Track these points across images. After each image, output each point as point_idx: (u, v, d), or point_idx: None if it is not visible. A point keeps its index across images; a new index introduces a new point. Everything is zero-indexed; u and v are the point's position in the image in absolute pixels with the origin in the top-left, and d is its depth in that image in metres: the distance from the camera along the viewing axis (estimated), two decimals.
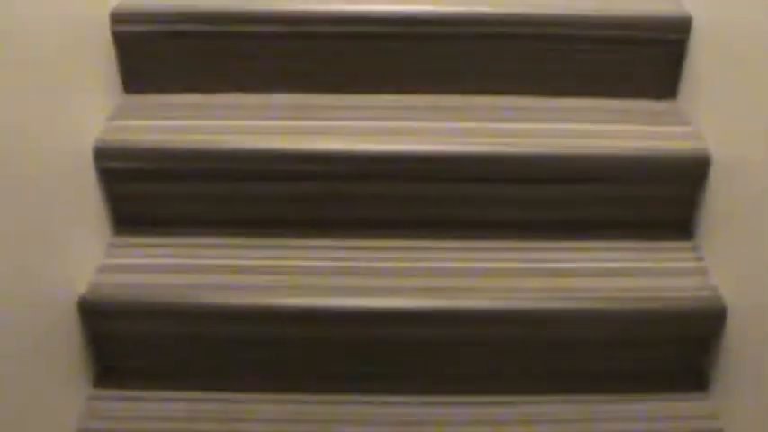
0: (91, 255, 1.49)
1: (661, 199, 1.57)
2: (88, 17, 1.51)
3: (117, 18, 1.60)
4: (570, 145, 1.52)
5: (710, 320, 1.42)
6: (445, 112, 1.61)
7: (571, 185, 1.54)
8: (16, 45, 1.19)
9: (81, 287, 1.43)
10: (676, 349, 1.49)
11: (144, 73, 1.66)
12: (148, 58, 1.65)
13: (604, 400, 1.46)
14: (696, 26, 1.58)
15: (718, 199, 1.46)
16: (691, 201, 1.56)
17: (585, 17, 1.60)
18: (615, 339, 1.48)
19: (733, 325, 1.38)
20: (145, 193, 1.57)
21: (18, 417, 1.21)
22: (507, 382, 1.49)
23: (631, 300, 1.43)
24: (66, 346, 1.39)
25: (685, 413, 1.44)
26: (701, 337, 1.47)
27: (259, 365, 1.51)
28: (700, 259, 1.51)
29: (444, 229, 1.57)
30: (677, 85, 1.67)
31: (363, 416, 1.43)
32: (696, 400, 1.46)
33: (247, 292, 1.44)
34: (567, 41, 1.62)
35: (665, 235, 1.57)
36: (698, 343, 1.48)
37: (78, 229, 1.44)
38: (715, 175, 1.48)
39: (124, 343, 1.50)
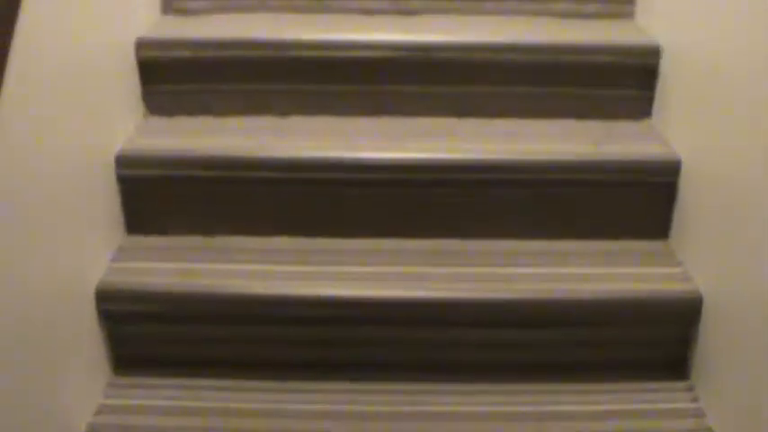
0: (90, 395, 1.54)
1: (653, 340, 1.63)
2: (94, 161, 1.61)
3: (122, 162, 1.70)
4: (562, 289, 1.59)
5: None
6: (444, 258, 1.69)
7: (563, 329, 1.61)
8: (21, 185, 1.27)
9: (80, 428, 1.48)
10: None
11: (147, 214, 1.75)
12: (152, 200, 1.74)
13: None
14: (685, 168, 1.68)
15: (712, 339, 1.52)
16: (684, 341, 1.61)
17: (577, 162, 1.70)
18: None
19: None
20: (146, 334, 1.63)
21: None
22: None
23: None
24: None
25: None
26: None
27: None
28: (695, 400, 1.56)
29: (439, 373, 1.63)
30: (669, 225, 1.75)
31: None
32: None
33: None
34: (558, 186, 1.72)
35: (658, 376, 1.62)
36: None
37: (76, 369, 1.49)
38: (708, 316, 1.54)
39: None
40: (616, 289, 1.59)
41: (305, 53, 1.82)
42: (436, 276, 1.63)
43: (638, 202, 1.73)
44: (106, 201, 1.66)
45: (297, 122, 1.84)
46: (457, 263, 1.67)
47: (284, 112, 1.87)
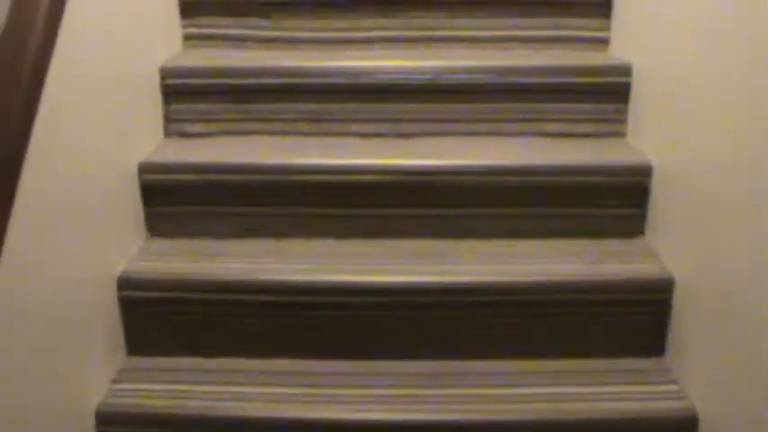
0: None
1: None
2: (96, 282, 1.69)
3: (123, 284, 1.79)
4: (559, 409, 1.65)
5: None
6: (441, 379, 1.76)
7: None
8: (24, 307, 1.35)
9: None
10: None
11: (148, 336, 1.83)
12: (153, 322, 1.82)
13: None
14: (679, 286, 1.76)
15: None
16: None
17: (572, 283, 1.79)
18: None
19: None
20: None
21: None
22: None
23: None
24: None
25: None
26: None
27: None
28: None
29: None
30: (664, 341, 1.82)
31: None
32: None
33: None
34: (553, 306, 1.80)
35: None
36: None
37: None
38: None
39: None
40: (611, 408, 1.65)
41: (304, 177, 1.93)
42: (433, 398, 1.69)
43: (633, 320, 1.81)
44: (107, 322, 1.74)
45: (295, 245, 1.94)
46: (453, 384, 1.73)
47: (283, 234, 1.97)
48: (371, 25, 2.27)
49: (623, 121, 2.13)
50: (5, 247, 1.22)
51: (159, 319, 1.82)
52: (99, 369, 1.70)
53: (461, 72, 2.07)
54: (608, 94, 2.11)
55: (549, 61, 2.10)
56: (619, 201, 1.96)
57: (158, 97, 2.10)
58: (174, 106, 2.12)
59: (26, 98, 1.28)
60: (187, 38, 2.31)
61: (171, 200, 1.96)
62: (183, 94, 2.11)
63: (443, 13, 2.27)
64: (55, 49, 1.39)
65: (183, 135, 2.13)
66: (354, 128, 2.12)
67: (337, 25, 2.27)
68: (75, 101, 1.55)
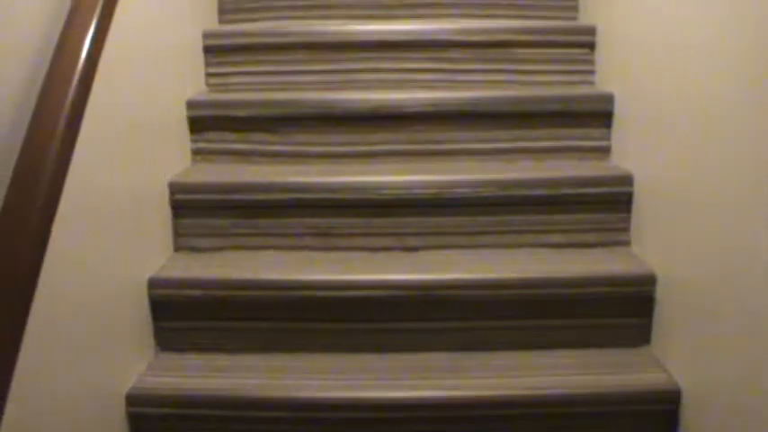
0: None
1: None
2: (105, 399, 1.75)
3: (132, 401, 1.84)
4: None
5: None
6: None
7: None
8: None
9: None
10: None
11: None
12: None
13: None
14: (686, 396, 1.80)
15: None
16: None
17: (579, 395, 1.84)
18: None
19: None
20: None
21: None
22: None
23: None
24: None
25: None
26: None
27: None
28: None
29: None
30: None
31: None
32: None
33: None
34: (562, 418, 1.85)
35: None
36: None
37: None
38: None
39: None
40: None
41: (313, 293, 2.00)
42: None
43: (641, 430, 1.85)
44: None
45: (307, 360, 2.00)
46: None
47: (294, 349, 2.03)
48: (376, 140, 2.38)
49: (627, 230, 2.21)
50: (18, 365, 1.27)
51: None
52: None
53: (465, 186, 2.16)
54: (611, 203, 2.20)
55: (552, 173, 2.19)
56: (624, 310, 2.02)
57: (168, 212, 2.19)
58: (183, 221, 2.21)
59: (43, 212, 1.34)
60: (196, 153, 2.41)
61: (180, 315, 2.03)
62: (191, 209, 2.21)
63: (447, 126, 2.38)
64: (70, 165, 1.46)
65: (193, 250, 2.21)
66: (361, 242, 2.20)
67: (343, 139, 2.38)
68: (87, 216, 1.64)
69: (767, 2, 1.43)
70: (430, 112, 2.36)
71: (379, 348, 2.03)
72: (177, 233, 2.22)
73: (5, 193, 1.28)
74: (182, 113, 2.35)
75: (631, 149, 2.21)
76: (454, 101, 2.35)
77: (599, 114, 2.37)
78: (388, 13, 2.81)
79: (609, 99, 2.36)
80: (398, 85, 2.57)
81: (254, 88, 2.59)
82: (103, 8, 1.52)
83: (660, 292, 1.97)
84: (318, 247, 2.20)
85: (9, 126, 1.36)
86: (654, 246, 2.03)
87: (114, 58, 1.74)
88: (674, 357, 1.89)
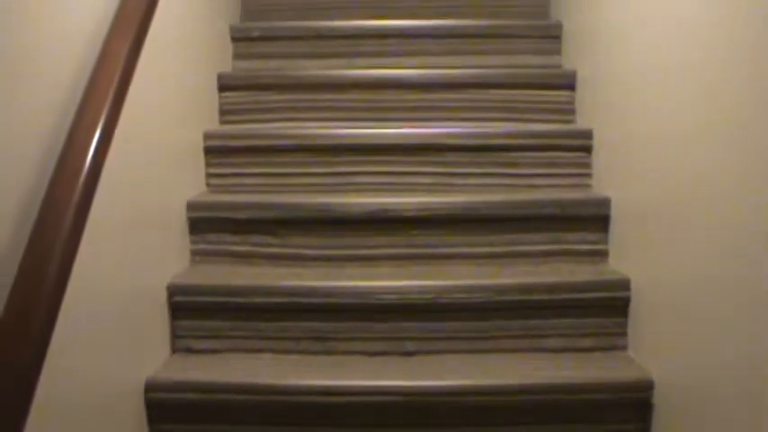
0: None
1: None
2: None
3: None
4: None
5: None
6: None
7: None
8: None
9: None
10: None
11: None
12: None
13: None
14: None
15: None
16: None
17: None
18: None
19: None
20: None
21: None
22: None
23: None
24: None
25: None
26: None
27: None
28: None
29: None
30: None
31: None
32: None
33: None
34: None
35: None
36: None
37: None
38: None
39: None
40: None
41: (311, 399, 2.05)
42: None
43: None
44: None
45: None
46: None
47: None
48: (373, 243, 2.45)
49: (624, 335, 2.26)
50: None
51: None
52: None
53: (461, 291, 2.23)
54: (607, 308, 2.26)
55: (548, 278, 2.26)
56: (622, 416, 2.06)
57: (166, 313, 2.25)
58: (182, 322, 2.27)
59: (48, 310, 1.39)
60: (195, 253, 2.48)
61: (178, 418, 2.08)
62: (190, 311, 2.27)
63: (444, 231, 2.45)
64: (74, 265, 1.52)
65: (190, 351, 2.26)
66: (358, 346, 2.25)
67: (340, 243, 2.46)
68: (84, 316, 1.69)
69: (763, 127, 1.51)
70: (426, 217, 2.44)
71: None
72: (175, 334, 2.27)
73: (8, 296, 1.33)
74: (182, 214, 2.43)
75: (628, 253, 2.28)
76: (450, 205, 2.44)
77: (595, 218, 2.45)
78: (385, 116, 2.91)
79: (605, 203, 2.43)
80: (396, 188, 2.66)
81: (254, 189, 2.68)
82: (109, 113, 1.59)
83: (658, 398, 2.02)
84: (316, 351, 2.26)
85: (12, 233, 1.42)
86: (651, 351, 2.08)
87: (116, 159, 1.81)
88: None
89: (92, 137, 1.54)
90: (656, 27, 2.01)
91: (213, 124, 2.89)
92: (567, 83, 2.90)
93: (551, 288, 2.23)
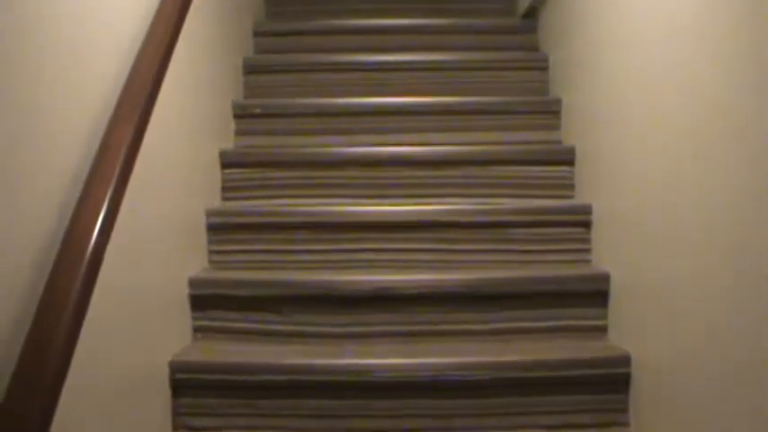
0: None
1: None
2: None
3: None
4: None
5: None
6: None
7: None
8: None
9: None
10: None
11: None
12: None
13: None
14: None
15: None
16: None
17: None
18: None
19: None
20: None
21: None
22: None
23: None
24: None
25: None
26: None
27: None
28: None
29: None
30: None
31: None
32: None
33: None
34: None
35: None
36: None
37: None
38: None
39: None
40: None
41: None
42: None
43: None
44: None
45: None
46: None
47: None
48: (375, 320, 2.51)
49: (625, 411, 2.29)
50: None
51: None
52: None
53: (462, 369, 2.28)
54: (608, 384, 2.31)
55: (548, 355, 2.31)
56: None
57: (167, 391, 2.29)
58: (183, 400, 2.31)
59: (47, 402, 1.43)
60: (197, 330, 2.53)
61: None
62: (191, 388, 2.32)
63: (445, 308, 2.51)
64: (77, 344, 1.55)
65: (191, 429, 2.30)
66: (359, 423, 2.30)
67: (342, 320, 2.51)
68: (88, 395, 1.73)
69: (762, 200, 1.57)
70: (427, 294, 2.50)
71: None
72: (176, 412, 2.31)
73: (10, 379, 1.37)
74: (184, 291, 2.48)
75: (629, 329, 2.33)
76: (452, 283, 2.50)
77: (595, 294, 2.50)
78: (386, 192, 3.00)
79: (605, 278, 2.49)
80: (397, 264, 2.73)
81: (256, 266, 2.74)
82: (112, 197, 1.65)
83: None
84: (317, 429, 2.30)
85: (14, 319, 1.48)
86: (653, 428, 2.11)
87: (118, 237, 1.86)
88: None
89: (95, 220, 1.60)
90: (655, 101, 2.09)
91: (215, 200, 2.96)
92: (567, 158, 2.98)
93: (552, 365, 2.28)
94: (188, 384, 2.32)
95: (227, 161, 3.03)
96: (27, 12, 1.51)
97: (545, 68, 3.50)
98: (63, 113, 1.65)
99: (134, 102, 1.85)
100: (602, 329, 2.51)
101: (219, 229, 2.76)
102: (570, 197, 2.97)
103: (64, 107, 1.66)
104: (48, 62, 1.59)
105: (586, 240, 2.73)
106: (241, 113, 3.26)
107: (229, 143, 3.21)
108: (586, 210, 2.73)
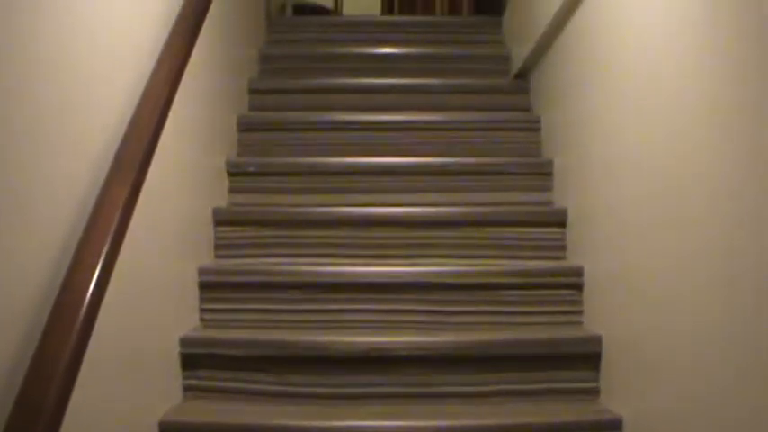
0: None
1: None
2: None
3: None
4: None
5: None
6: None
7: None
8: None
9: None
10: None
11: None
12: None
13: None
14: None
15: None
16: None
17: None
18: None
19: None
20: None
21: None
22: None
23: None
24: None
25: None
26: None
27: None
28: None
29: None
30: None
31: None
32: None
33: None
34: None
35: None
36: None
37: None
38: None
39: None
40: None
41: None
42: None
43: None
44: None
45: None
46: None
47: None
48: (366, 381, 2.53)
49: None
50: None
51: None
52: None
53: None
54: None
55: (540, 418, 2.33)
56: None
57: None
58: None
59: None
60: (187, 389, 2.54)
61: None
62: None
63: (435, 370, 2.53)
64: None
65: None
66: None
67: (334, 381, 2.53)
68: None
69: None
70: (419, 356, 2.52)
71: None
72: None
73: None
74: (174, 349, 2.50)
75: (620, 392, 2.34)
76: (442, 345, 2.53)
77: (587, 356, 2.53)
78: (377, 252, 3.04)
79: (597, 341, 2.52)
80: (388, 326, 2.76)
81: (248, 325, 2.76)
82: (106, 257, 1.68)
83: None
84: None
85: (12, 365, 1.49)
86: None
87: (110, 297, 1.87)
88: None
89: (90, 279, 1.63)
90: (644, 163, 2.13)
91: (208, 258, 2.98)
92: (559, 220, 3.02)
93: (542, 429, 2.28)
94: None
95: (221, 219, 3.06)
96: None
97: (537, 130, 3.56)
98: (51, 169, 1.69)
99: (131, 160, 1.89)
100: (594, 392, 2.52)
101: (212, 287, 2.79)
102: (562, 258, 3.01)
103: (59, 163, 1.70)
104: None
105: (578, 302, 2.76)
106: (235, 171, 3.30)
107: (223, 201, 3.25)
108: (578, 272, 2.76)
